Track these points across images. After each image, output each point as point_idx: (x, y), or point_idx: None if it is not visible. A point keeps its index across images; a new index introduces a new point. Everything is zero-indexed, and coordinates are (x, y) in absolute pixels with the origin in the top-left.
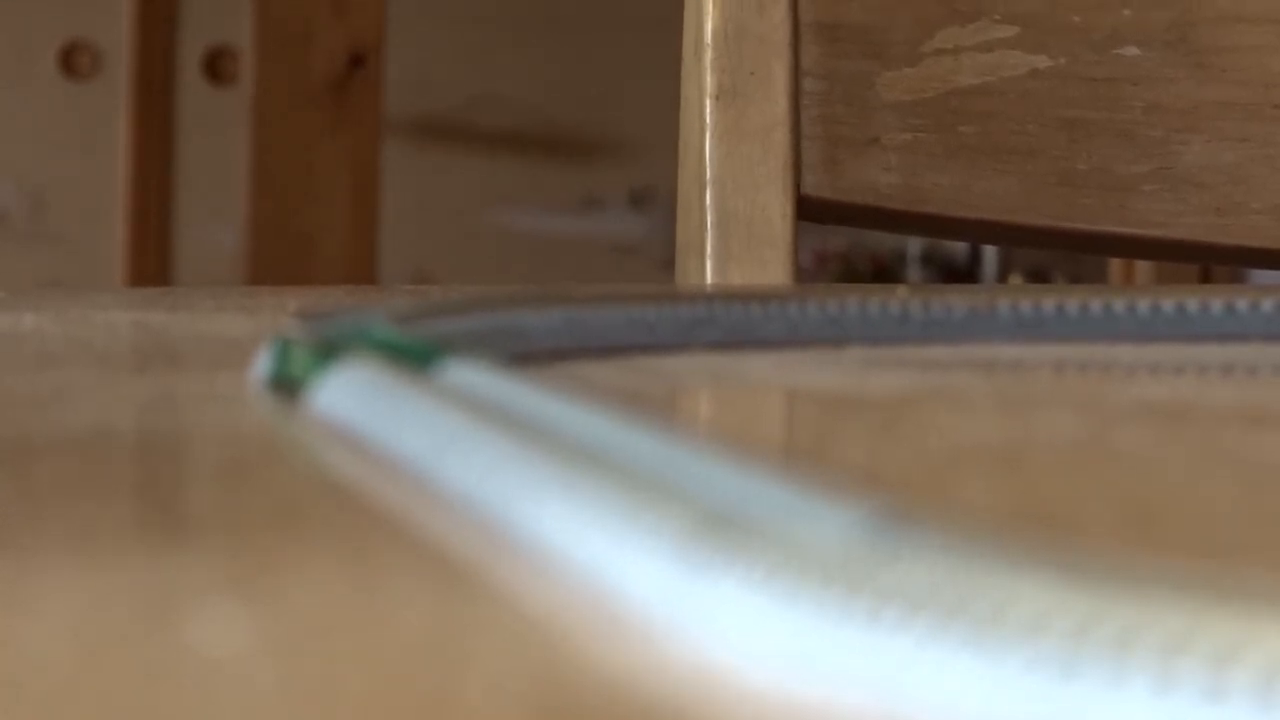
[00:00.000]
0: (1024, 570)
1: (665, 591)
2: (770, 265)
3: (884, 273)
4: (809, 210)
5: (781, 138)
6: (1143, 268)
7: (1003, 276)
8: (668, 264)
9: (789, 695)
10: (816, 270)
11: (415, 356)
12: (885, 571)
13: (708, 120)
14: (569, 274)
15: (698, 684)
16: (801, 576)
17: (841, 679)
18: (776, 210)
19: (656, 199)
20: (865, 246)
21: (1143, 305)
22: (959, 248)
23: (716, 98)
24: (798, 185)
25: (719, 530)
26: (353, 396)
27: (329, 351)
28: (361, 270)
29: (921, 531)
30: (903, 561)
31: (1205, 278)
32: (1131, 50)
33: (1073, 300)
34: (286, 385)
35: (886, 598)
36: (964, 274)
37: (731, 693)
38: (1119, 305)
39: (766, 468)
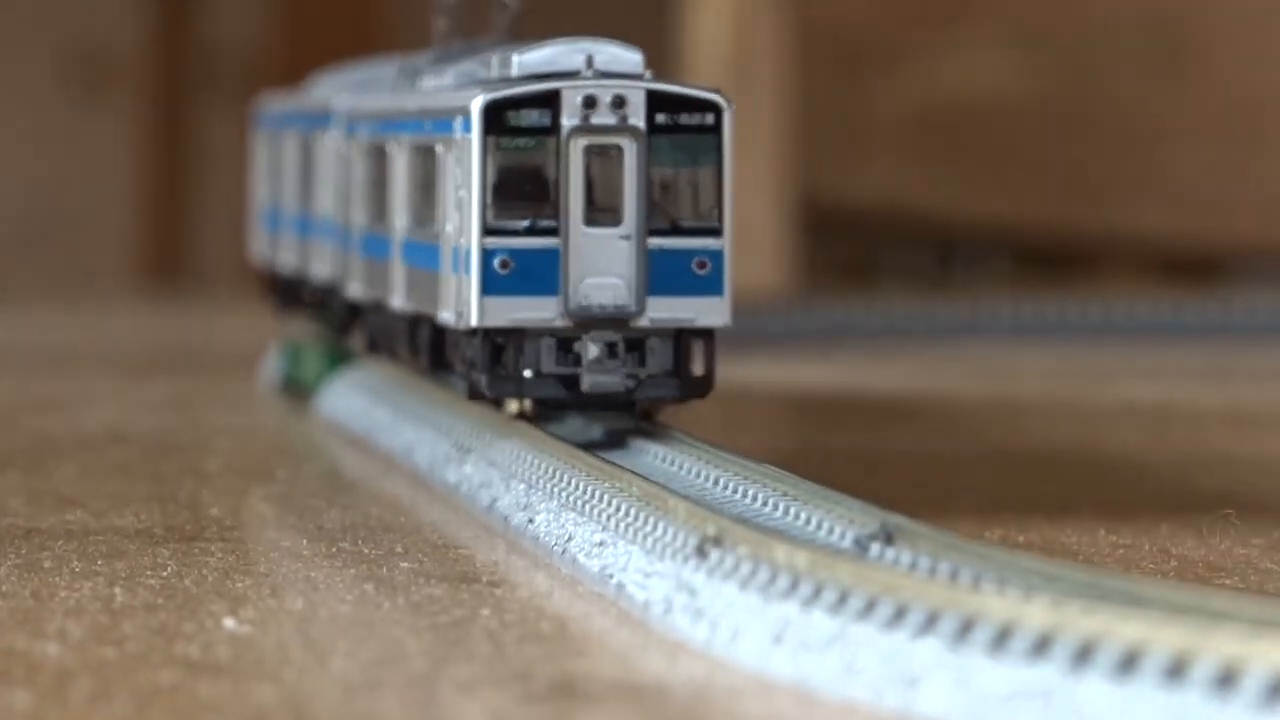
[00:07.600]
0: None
1: (669, 591)
2: (767, 270)
3: (878, 276)
4: (806, 216)
5: (778, 146)
6: (1130, 271)
7: (993, 280)
8: None
9: (790, 688)
10: (812, 274)
11: None
12: (891, 576)
13: None
14: None
15: (700, 680)
16: (801, 576)
17: (843, 674)
18: (773, 216)
19: None
20: (860, 250)
21: (1131, 307)
22: (952, 252)
23: None
24: (795, 192)
25: (722, 531)
26: (362, 399)
27: (338, 355)
28: None
29: (924, 540)
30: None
31: (1191, 279)
32: (1114, 59)
33: (1064, 304)
34: (297, 388)
35: (896, 602)
36: (956, 278)
37: (734, 686)
38: (1107, 309)
39: (765, 469)
